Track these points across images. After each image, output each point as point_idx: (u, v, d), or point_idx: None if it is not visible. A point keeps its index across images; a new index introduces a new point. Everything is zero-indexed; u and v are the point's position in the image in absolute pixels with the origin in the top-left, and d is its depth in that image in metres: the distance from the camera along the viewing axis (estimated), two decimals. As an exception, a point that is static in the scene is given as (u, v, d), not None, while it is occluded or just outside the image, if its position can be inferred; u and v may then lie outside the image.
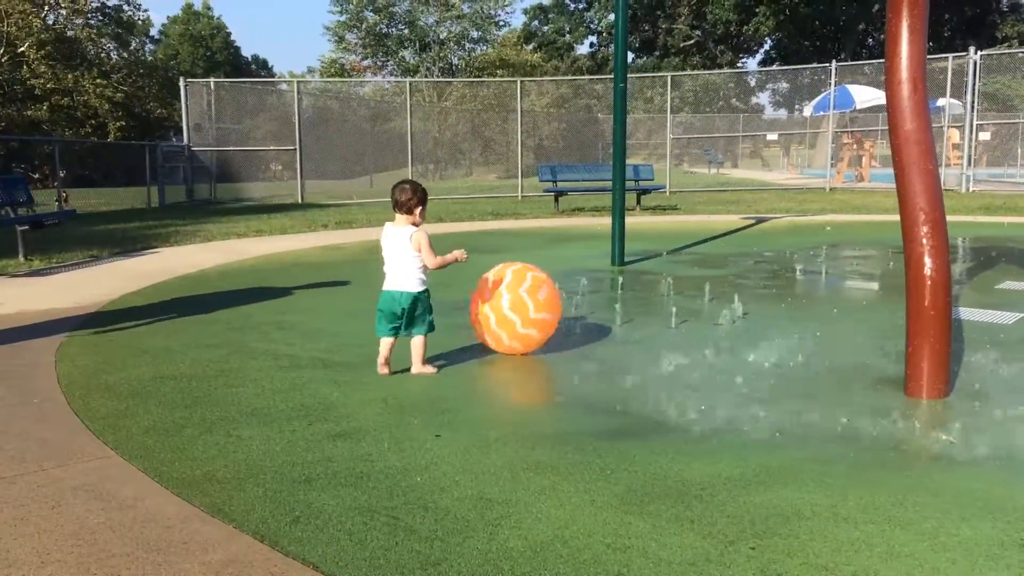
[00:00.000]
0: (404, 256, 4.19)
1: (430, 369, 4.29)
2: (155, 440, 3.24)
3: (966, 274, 7.39)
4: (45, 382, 4.14)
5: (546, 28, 52.73)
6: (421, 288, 4.23)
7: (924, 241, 3.59)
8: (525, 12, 54.70)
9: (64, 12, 35.41)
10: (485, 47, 47.95)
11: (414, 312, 4.22)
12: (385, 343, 4.26)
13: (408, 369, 4.26)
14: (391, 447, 3.12)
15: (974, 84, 19.38)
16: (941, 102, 20.68)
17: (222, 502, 2.64)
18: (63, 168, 19.72)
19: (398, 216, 4.23)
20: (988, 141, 23.68)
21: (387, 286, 4.25)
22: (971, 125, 19.71)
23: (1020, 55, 29.01)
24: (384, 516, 2.52)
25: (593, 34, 52.24)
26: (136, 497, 2.70)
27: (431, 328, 4.29)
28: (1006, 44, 37.99)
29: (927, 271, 3.57)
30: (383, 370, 4.24)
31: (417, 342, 4.28)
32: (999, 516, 2.45)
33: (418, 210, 4.21)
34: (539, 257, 8.82)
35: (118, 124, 35.66)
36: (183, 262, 8.80)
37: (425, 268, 4.23)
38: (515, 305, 4.35)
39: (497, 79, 33.76)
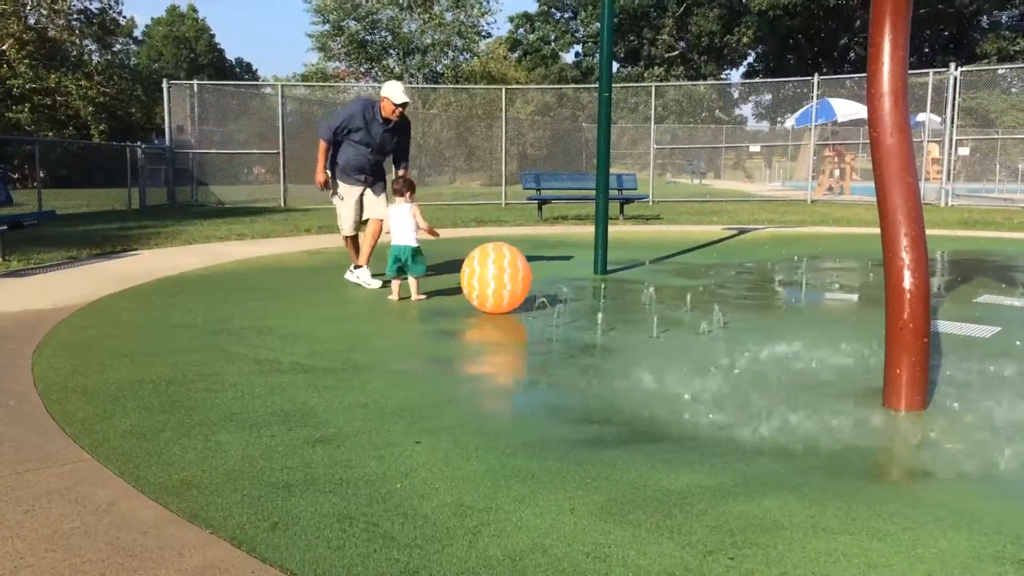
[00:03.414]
0: (407, 223, 6.48)
1: (422, 296, 6.58)
2: (132, 444, 3.21)
3: (945, 287, 7.45)
4: (21, 384, 4.09)
5: (531, 36, 52.85)
6: (416, 244, 6.48)
7: (903, 254, 3.61)
8: (511, 20, 54.80)
9: (44, 12, 35.14)
10: (469, 56, 48.02)
11: (413, 259, 6.45)
12: (395, 282, 6.59)
13: (409, 297, 6.57)
14: (371, 453, 3.10)
15: (954, 99, 19.60)
16: (921, 117, 20.92)
17: (199, 507, 2.62)
18: (43, 168, 19.54)
19: (399, 199, 6.60)
20: (967, 156, 23.94)
21: (395, 242, 6.46)
22: (951, 140, 19.93)
23: (1000, 71, 29.37)
24: (363, 523, 2.50)
25: (578, 43, 52.43)
26: (112, 501, 2.68)
27: (424, 271, 6.62)
28: (986, 60, 38.46)
29: (906, 284, 3.60)
30: (394, 297, 6.58)
31: (415, 281, 6.58)
32: (975, 528, 2.46)
33: (409, 194, 6.66)
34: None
35: (101, 127, 35.42)
36: (163, 265, 8.74)
37: (418, 230, 6.50)
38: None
39: (482, 87, 33.81)
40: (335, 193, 7.68)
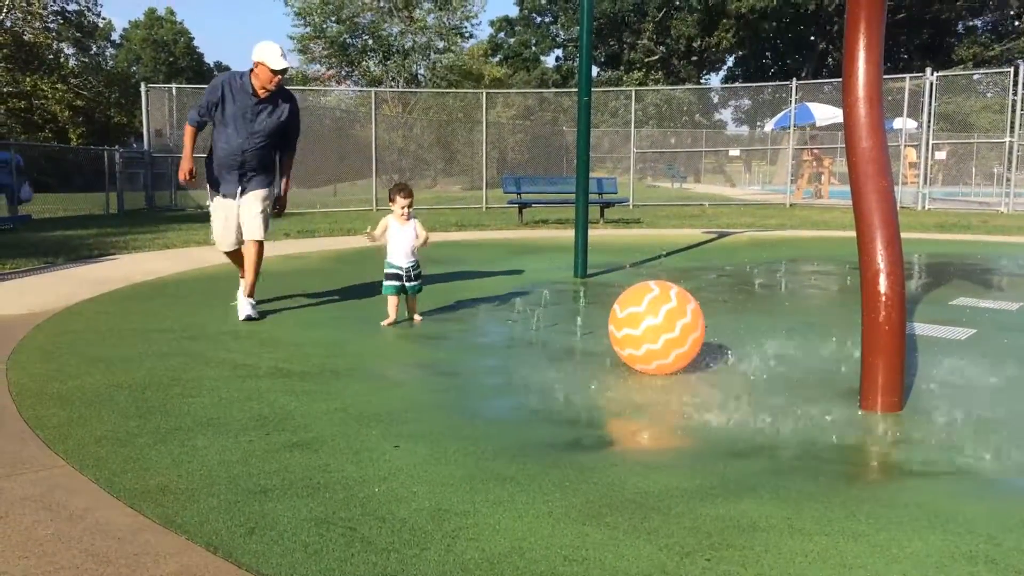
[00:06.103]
0: (410, 237, 5.80)
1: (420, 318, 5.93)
2: (107, 450, 3.19)
3: (921, 290, 7.52)
4: (-5, 390, 4.05)
5: (512, 40, 52.92)
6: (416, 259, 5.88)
7: (879, 258, 3.65)
8: (492, 24, 54.85)
9: (19, 14, 34.82)
10: (451, 58, 47.97)
11: (416, 276, 5.89)
12: (394, 301, 5.81)
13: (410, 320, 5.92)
14: (349, 457, 3.09)
15: (930, 104, 19.79)
16: (898, 122, 21.10)
17: (175, 513, 2.60)
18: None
19: (402, 217, 5.76)
20: (944, 160, 24.19)
21: (396, 260, 5.77)
22: (927, 144, 20.12)
23: (975, 76, 29.72)
24: (341, 527, 2.49)
25: (559, 47, 52.56)
26: (87, 508, 2.65)
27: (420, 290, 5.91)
28: (961, 66, 38.89)
29: (882, 287, 3.63)
30: (388, 321, 5.76)
31: (414, 300, 5.96)
32: (949, 529, 2.49)
33: (404, 206, 5.73)
34: (503, 268, 8.83)
35: (78, 131, 35.17)
36: (140, 269, 8.68)
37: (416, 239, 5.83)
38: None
39: (463, 91, 33.81)
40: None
